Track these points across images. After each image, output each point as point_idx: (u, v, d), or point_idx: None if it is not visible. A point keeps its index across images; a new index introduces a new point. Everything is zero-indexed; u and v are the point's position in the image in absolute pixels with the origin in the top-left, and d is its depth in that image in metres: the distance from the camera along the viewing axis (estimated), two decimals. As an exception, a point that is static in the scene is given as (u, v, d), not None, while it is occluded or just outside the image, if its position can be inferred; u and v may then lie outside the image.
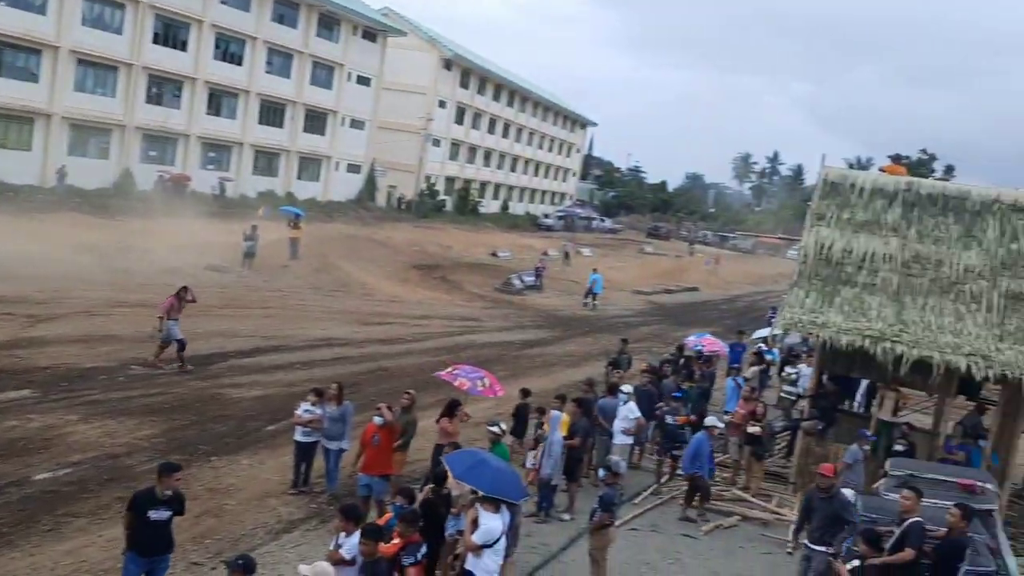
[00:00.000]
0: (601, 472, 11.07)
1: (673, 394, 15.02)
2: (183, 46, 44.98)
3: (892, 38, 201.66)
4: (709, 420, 13.57)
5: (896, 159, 16.84)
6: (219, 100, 48.31)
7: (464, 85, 71.70)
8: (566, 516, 12.29)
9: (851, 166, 48.25)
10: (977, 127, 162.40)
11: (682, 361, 18.83)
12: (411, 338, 24.50)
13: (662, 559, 11.40)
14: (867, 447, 13.38)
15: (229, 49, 48.19)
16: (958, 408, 16.56)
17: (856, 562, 8.44)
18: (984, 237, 14.48)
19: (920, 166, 63.89)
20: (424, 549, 7.75)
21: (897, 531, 8.70)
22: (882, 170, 17.84)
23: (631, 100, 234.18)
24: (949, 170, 66.79)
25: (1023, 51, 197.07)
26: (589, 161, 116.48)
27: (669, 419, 14.00)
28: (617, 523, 10.95)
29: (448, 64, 68.41)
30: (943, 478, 10.82)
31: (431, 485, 8.97)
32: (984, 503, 10.21)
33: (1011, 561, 9.93)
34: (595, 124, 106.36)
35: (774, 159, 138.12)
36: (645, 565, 11.10)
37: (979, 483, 10.57)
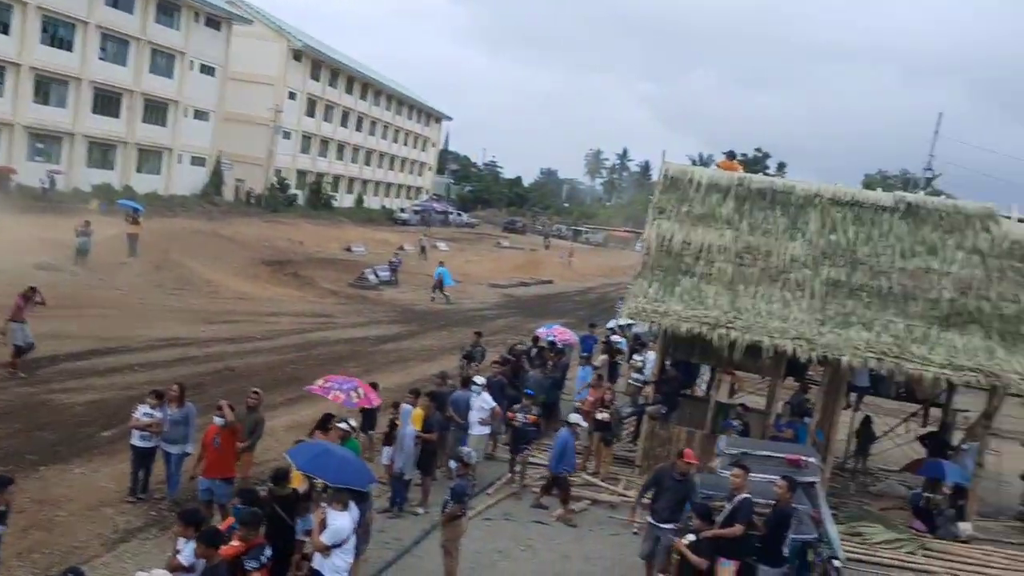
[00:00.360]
0: (453, 463, 11.14)
1: (526, 391, 15.09)
2: (5, 29, 41.58)
3: (726, 42, 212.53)
4: (574, 418, 13.70)
5: (730, 156, 17.90)
6: (47, 87, 44.93)
7: (315, 77, 70.00)
8: (420, 510, 12.28)
9: (694, 163, 50.70)
10: (805, 127, 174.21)
11: (535, 351, 19.20)
12: (260, 336, 23.76)
13: (515, 546, 11.61)
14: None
15: (57, 33, 44.87)
16: (787, 388, 17.78)
17: (692, 536, 8.91)
18: (807, 229, 15.55)
19: (755, 163, 67.93)
20: (268, 552, 7.54)
21: (728, 506, 9.24)
22: (718, 166, 18.80)
23: (486, 95, 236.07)
24: (781, 167, 71.41)
25: (843, 58, 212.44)
26: (445, 156, 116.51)
27: (520, 417, 14.05)
28: (470, 514, 11.05)
29: (298, 55, 66.57)
30: (772, 454, 11.58)
31: (271, 484, 8.72)
32: (808, 476, 11.00)
33: (832, 529, 10.75)
34: (450, 119, 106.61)
35: (623, 155, 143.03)
36: (498, 553, 11.27)
37: (803, 458, 11.39)
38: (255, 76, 61.93)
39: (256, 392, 11.64)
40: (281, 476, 8.69)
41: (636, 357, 19.73)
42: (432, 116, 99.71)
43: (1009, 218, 15.55)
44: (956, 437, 16.57)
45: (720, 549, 8.93)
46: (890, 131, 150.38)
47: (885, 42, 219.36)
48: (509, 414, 14.32)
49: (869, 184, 44.11)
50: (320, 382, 12.86)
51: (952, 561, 12.63)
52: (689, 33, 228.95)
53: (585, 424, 14.16)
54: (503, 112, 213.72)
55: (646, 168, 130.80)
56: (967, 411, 17.00)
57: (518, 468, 14.01)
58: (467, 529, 10.33)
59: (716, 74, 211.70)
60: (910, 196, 16.22)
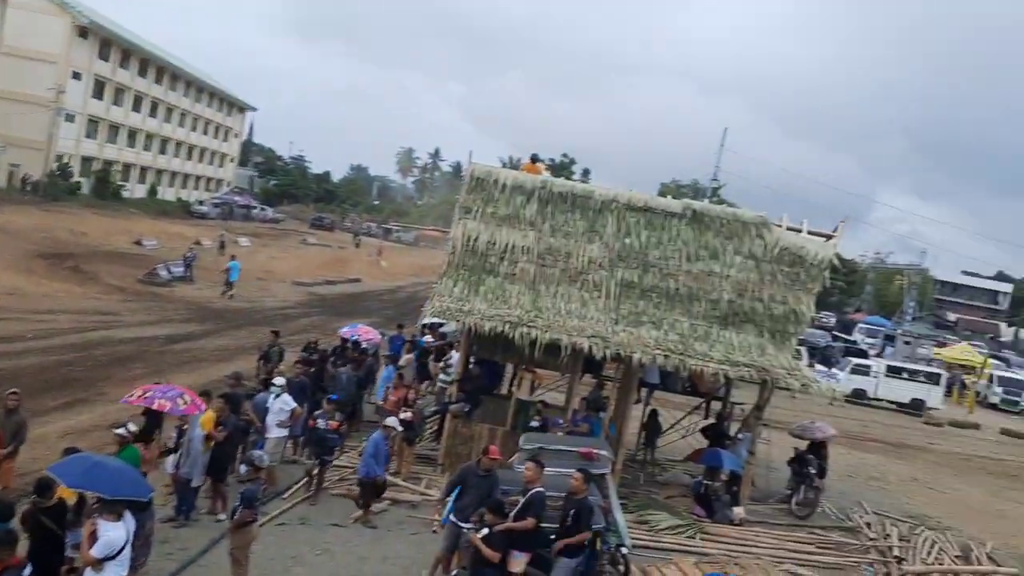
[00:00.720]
0: (243, 468, 10.64)
1: (330, 396, 14.64)
2: None
3: (535, 50, 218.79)
4: (390, 420, 13.43)
5: (534, 159, 18.31)
6: None
7: (104, 57, 64.74)
8: (221, 516, 11.56)
9: (504, 165, 51.62)
10: (609, 136, 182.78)
11: (336, 351, 18.78)
12: (33, 336, 21.69)
13: (310, 551, 11.26)
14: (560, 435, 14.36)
15: None
16: (585, 385, 18.51)
17: (486, 530, 9.03)
18: (604, 232, 16.22)
19: (563, 168, 70.51)
20: (28, 570, 6.85)
21: (522, 500, 9.44)
22: (523, 169, 19.21)
23: (296, 87, 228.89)
24: (586, 173, 74.60)
25: (648, 71, 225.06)
26: (249, 147, 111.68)
27: (321, 423, 13.62)
28: (263, 519, 10.60)
29: (84, 32, 61.29)
30: (567, 448, 11.97)
31: (34, 497, 7.93)
32: (599, 468, 11.46)
33: (620, 518, 11.26)
34: (255, 109, 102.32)
35: (436, 155, 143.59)
36: (291, 559, 10.88)
37: (595, 451, 11.85)
38: (33, 52, 56.38)
39: (15, 393, 10.63)
40: (45, 486, 7.91)
41: (446, 357, 19.76)
42: (235, 105, 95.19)
43: (780, 226, 16.95)
44: (733, 428, 17.93)
45: (513, 542, 9.10)
46: (685, 142, 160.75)
47: (684, 58, 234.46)
48: (311, 421, 13.84)
49: (664, 192, 46.95)
50: (138, 392, 11.76)
51: (727, 543, 13.60)
52: (499, 38, 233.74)
53: (400, 428, 13.86)
54: (313, 105, 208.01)
55: (458, 168, 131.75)
56: (742, 404, 18.40)
57: (315, 472, 13.54)
58: (258, 535, 9.91)
59: (525, 80, 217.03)
60: (696, 204, 17.34)
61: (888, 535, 15.32)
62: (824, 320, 69.52)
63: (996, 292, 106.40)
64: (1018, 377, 46.98)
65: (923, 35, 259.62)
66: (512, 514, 9.25)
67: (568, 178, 46.38)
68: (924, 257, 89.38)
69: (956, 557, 14.64)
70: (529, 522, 9.17)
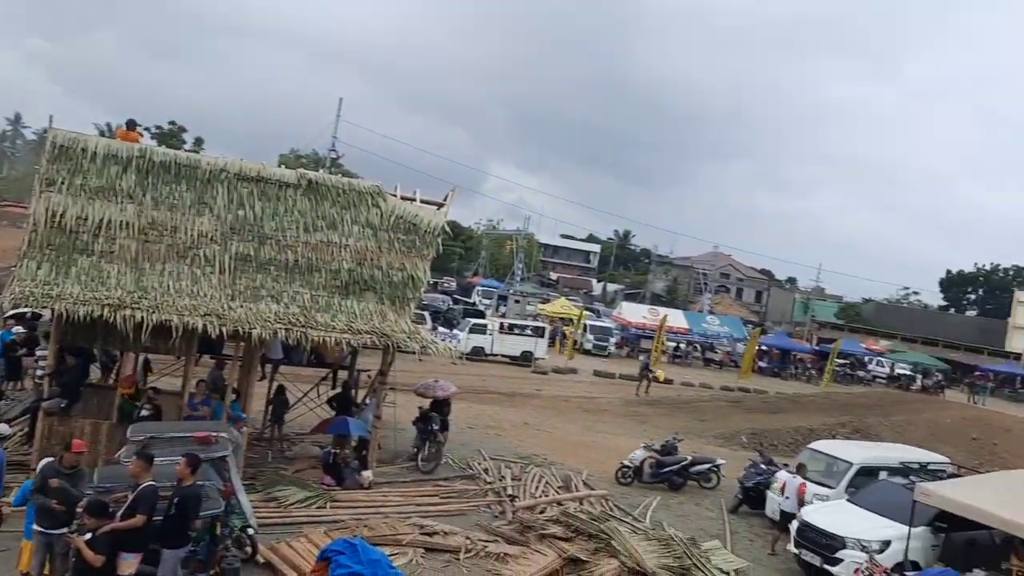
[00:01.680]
0: None
1: None
2: None
3: (126, 6, 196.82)
4: (1, 428, 11.47)
5: (131, 125, 16.53)
6: None
7: None
8: None
9: (102, 133, 46.33)
10: (225, 105, 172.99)
11: None
12: None
13: None
14: (244, 428, 13.97)
15: None
16: (205, 366, 17.55)
17: (89, 534, 8.18)
18: (215, 204, 15.39)
19: (171, 137, 65.21)
20: None
21: (130, 496, 8.70)
22: (117, 136, 17.45)
23: None
24: (199, 142, 69.58)
25: (257, 36, 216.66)
26: None
27: None
28: None
29: None
30: (181, 435, 11.23)
31: None
32: (219, 451, 10.94)
33: (244, 499, 10.93)
34: None
35: (16, 121, 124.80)
36: None
37: (213, 433, 11.28)
38: None
39: None
40: None
41: (39, 352, 17.40)
42: None
43: (395, 195, 17.44)
44: (361, 395, 18.27)
45: (120, 543, 8.35)
46: (304, 113, 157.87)
47: (295, 26, 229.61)
48: None
49: (284, 163, 45.82)
50: None
51: (357, 508, 13.87)
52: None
53: (9, 431, 11.97)
54: None
55: (44, 136, 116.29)
56: (368, 370, 18.80)
57: None
58: None
59: (118, 39, 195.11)
60: (311, 173, 17.18)
61: (503, 477, 16.78)
62: (446, 285, 73.74)
63: (588, 252, 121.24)
64: (606, 325, 54.18)
65: (520, 12, 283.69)
66: (120, 513, 8.47)
67: (178, 147, 43.34)
68: (529, 223, 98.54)
69: (559, 488, 16.53)
70: (138, 519, 8.46)
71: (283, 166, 19.03)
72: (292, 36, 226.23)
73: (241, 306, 14.44)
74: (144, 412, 13.69)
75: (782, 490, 15.89)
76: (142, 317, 13.27)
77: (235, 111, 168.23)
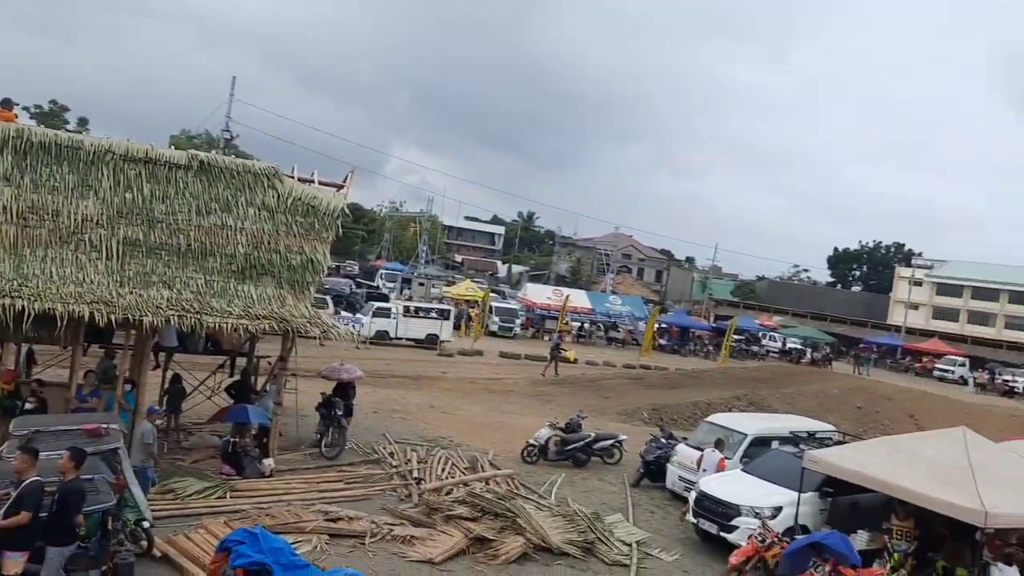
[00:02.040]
0: None
1: None
2: None
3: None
4: None
5: (6, 105, 15.43)
6: None
7: None
8: None
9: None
10: (111, 84, 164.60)
11: None
12: None
13: None
14: (159, 421, 13.54)
15: None
16: (94, 356, 16.83)
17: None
18: (100, 186, 14.71)
19: (52, 117, 61.81)
20: None
21: (14, 493, 8.29)
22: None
23: None
24: (83, 123, 66.09)
25: (139, 13, 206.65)
26: None
27: None
28: None
29: None
30: (68, 428, 10.76)
31: None
32: (110, 443, 10.54)
33: (138, 491, 10.56)
34: None
35: None
36: None
37: (103, 425, 10.84)
38: None
39: None
40: None
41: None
42: None
43: (292, 177, 17.05)
44: (261, 382, 17.87)
45: (5, 541, 7.97)
46: (196, 92, 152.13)
47: (185, 2, 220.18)
48: None
49: (175, 144, 44.07)
50: None
51: (259, 496, 13.60)
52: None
53: None
54: None
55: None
56: (268, 357, 18.39)
57: None
58: None
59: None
60: (203, 155, 16.53)
61: (409, 460, 16.73)
62: (348, 268, 72.76)
63: (493, 234, 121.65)
64: (511, 306, 54.53)
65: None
66: (3, 510, 8.05)
67: (60, 128, 41.11)
68: (432, 205, 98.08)
69: (465, 469, 16.60)
70: (22, 517, 8.07)
71: (174, 147, 18.32)
72: (182, 12, 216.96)
73: (131, 293, 13.89)
74: (28, 405, 13.02)
75: (699, 464, 16.25)
76: (23, 306, 12.61)
77: (122, 91, 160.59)
